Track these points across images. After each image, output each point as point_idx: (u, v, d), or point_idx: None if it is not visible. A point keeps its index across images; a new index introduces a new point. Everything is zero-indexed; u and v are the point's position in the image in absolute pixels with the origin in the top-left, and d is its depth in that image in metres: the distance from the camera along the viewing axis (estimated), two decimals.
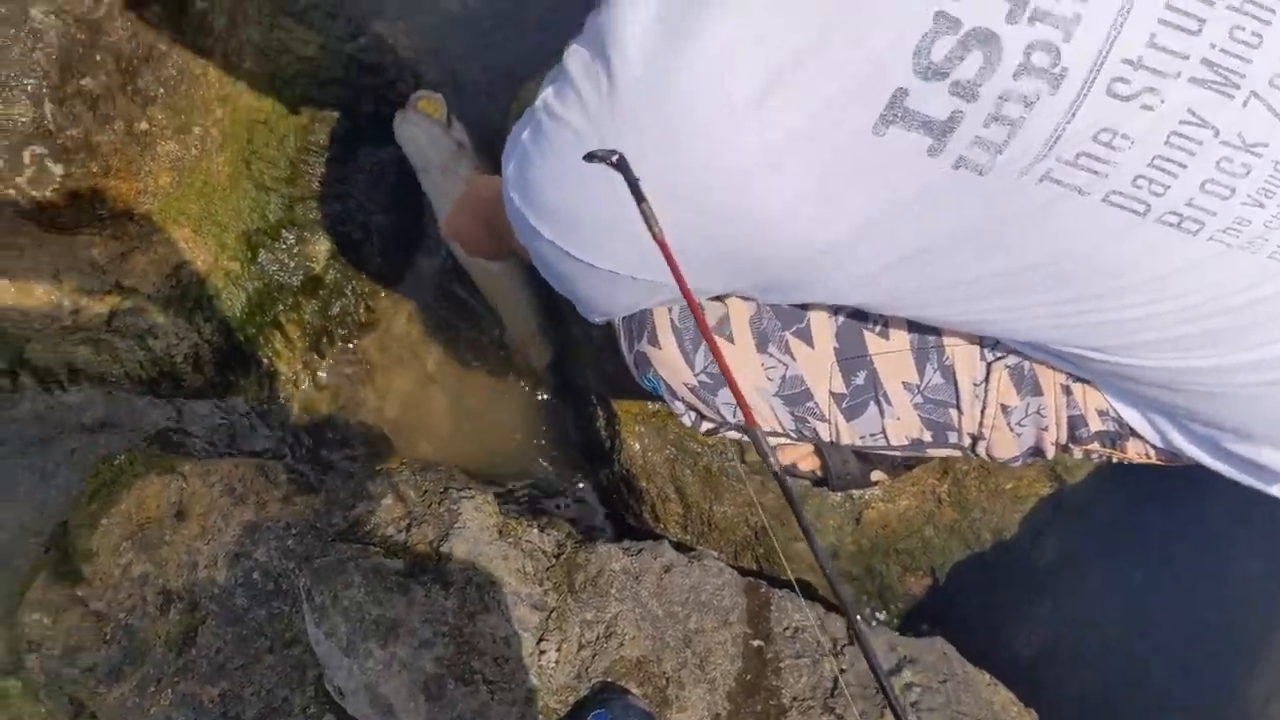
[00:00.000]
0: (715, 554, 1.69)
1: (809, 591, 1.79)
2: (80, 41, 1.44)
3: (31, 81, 1.41)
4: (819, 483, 1.74)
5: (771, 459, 0.69)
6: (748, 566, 1.81)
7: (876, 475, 1.67)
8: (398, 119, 1.66)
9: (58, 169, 1.46)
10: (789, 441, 1.35)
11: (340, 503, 1.45)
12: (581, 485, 1.82)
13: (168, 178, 1.61)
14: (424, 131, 1.66)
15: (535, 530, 1.48)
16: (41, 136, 1.43)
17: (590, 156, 0.73)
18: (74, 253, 1.56)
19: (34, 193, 1.46)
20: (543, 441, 1.83)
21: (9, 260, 1.53)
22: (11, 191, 1.45)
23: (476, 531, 1.40)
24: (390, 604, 1.29)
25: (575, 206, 0.87)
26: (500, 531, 1.43)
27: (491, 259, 1.66)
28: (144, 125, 1.56)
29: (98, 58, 1.47)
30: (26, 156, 1.43)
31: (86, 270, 1.57)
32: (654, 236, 0.70)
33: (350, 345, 1.80)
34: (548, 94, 0.85)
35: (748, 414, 0.72)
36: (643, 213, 0.70)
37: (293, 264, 1.74)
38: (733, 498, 1.75)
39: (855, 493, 1.75)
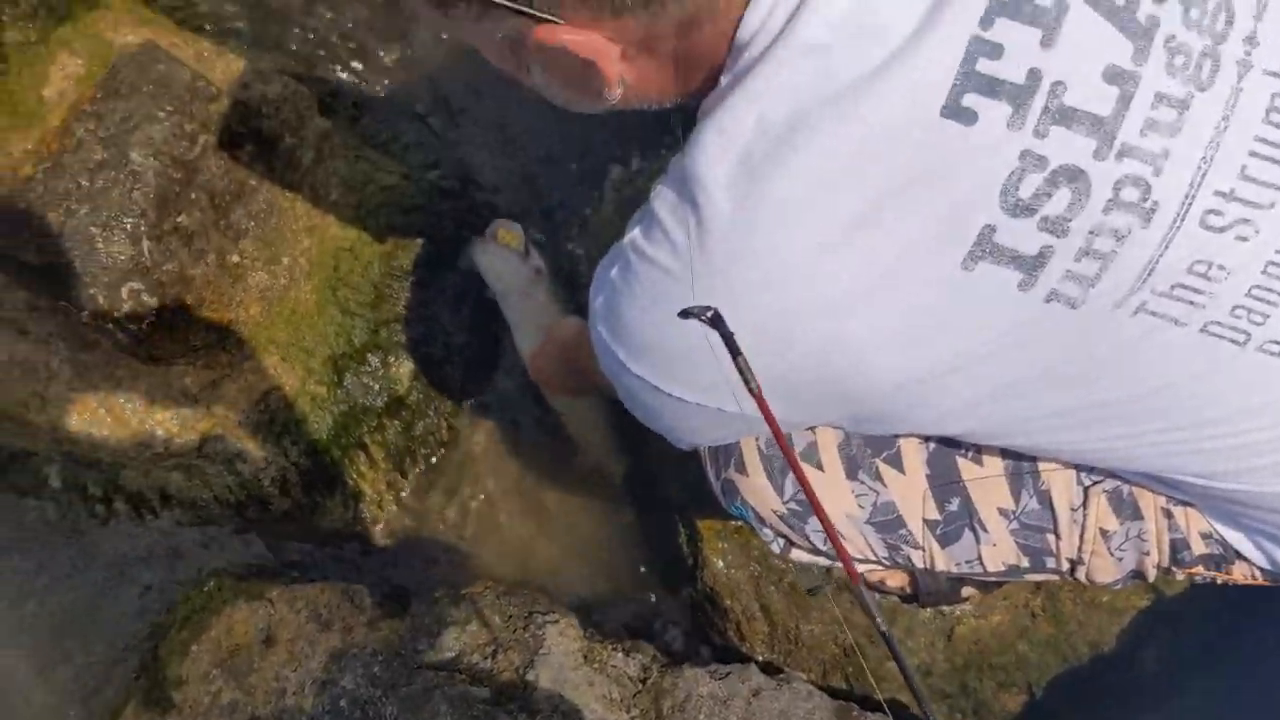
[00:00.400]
0: (804, 676, 1.66)
1: (901, 713, 1.74)
2: (176, 181, 1.50)
3: (130, 220, 1.46)
4: (908, 599, 1.71)
5: (879, 620, 0.67)
6: (837, 686, 1.77)
7: (967, 591, 1.64)
8: (478, 248, 1.72)
9: (154, 302, 1.50)
10: (807, 561, 1.33)
11: (425, 628, 1.44)
12: (664, 604, 1.80)
13: (257, 307, 1.65)
14: (502, 260, 1.71)
15: (620, 654, 1.46)
16: (139, 272, 1.47)
17: (686, 313, 0.74)
18: (168, 382, 1.60)
19: (132, 326, 1.50)
20: (624, 559, 1.81)
21: (107, 392, 1.57)
22: (111, 326, 1.50)
23: (561, 657, 1.39)
24: None
25: (665, 343, 0.87)
26: (585, 656, 1.42)
27: (576, 397, 1.68)
28: (235, 258, 1.61)
29: (193, 196, 1.53)
30: (124, 292, 1.47)
31: (179, 399, 1.60)
32: (750, 392, 0.70)
33: (432, 465, 1.81)
34: (635, 234, 0.86)
35: (844, 555, 0.71)
36: (738, 367, 0.70)
37: (377, 386, 1.77)
38: (820, 615, 1.72)
39: (946, 608, 1.71)
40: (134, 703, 1.51)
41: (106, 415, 1.59)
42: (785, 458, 0.75)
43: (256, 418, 1.66)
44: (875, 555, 1.20)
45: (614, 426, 1.81)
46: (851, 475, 1.14)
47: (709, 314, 0.72)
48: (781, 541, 1.23)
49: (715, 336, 0.73)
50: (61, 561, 1.69)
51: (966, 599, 1.66)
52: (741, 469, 1.16)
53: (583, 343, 1.47)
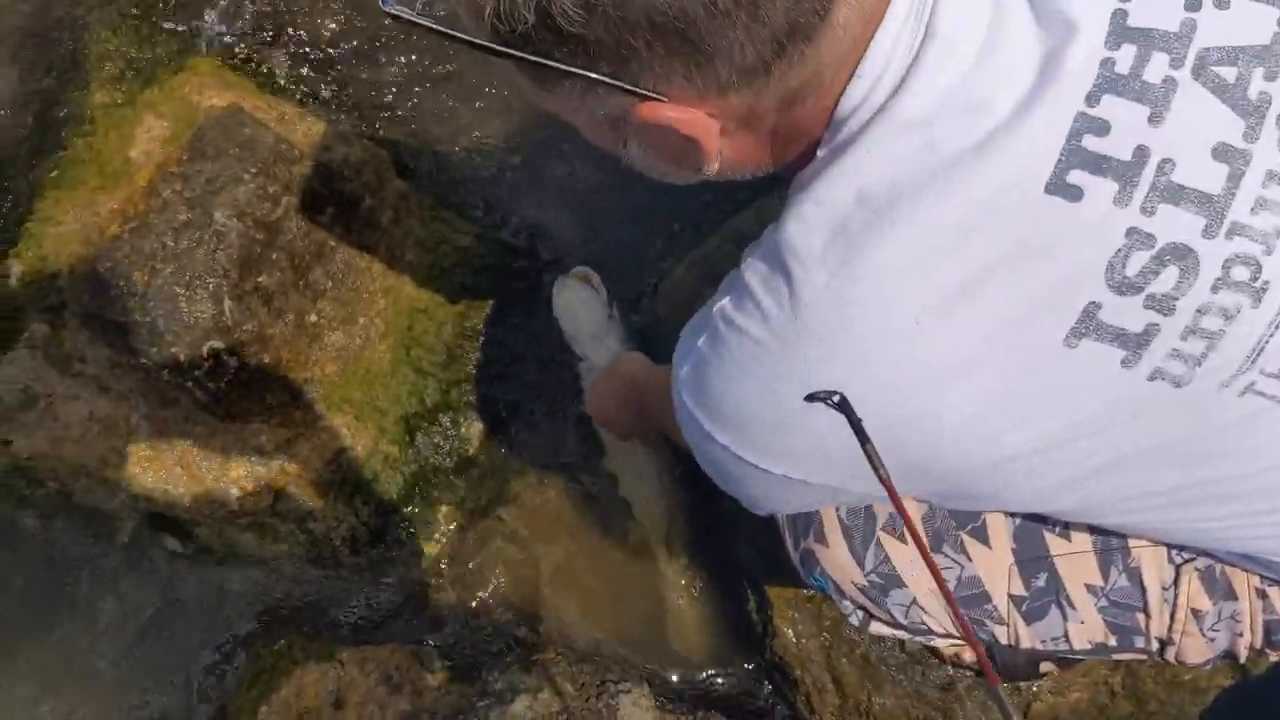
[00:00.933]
0: None
1: None
2: (259, 242, 1.52)
3: (214, 280, 1.49)
4: (980, 673, 1.67)
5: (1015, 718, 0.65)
6: None
7: (1045, 667, 1.59)
8: (557, 285, 1.76)
9: (233, 361, 1.52)
10: (887, 634, 1.29)
11: (496, 694, 1.43)
12: (734, 673, 1.77)
13: (333, 367, 1.66)
14: (579, 299, 1.75)
15: None
16: (220, 332, 1.49)
17: (812, 397, 0.72)
18: (244, 440, 1.61)
19: (210, 384, 1.52)
20: (692, 626, 1.79)
21: (184, 449, 1.59)
22: (190, 383, 1.51)
23: None
24: None
25: (753, 415, 0.86)
26: None
27: (634, 438, 1.68)
28: (313, 318, 1.63)
29: (274, 256, 1.55)
30: (205, 350, 1.49)
31: (254, 457, 1.62)
32: (880, 480, 0.68)
33: (500, 525, 1.80)
34: (725, 303, 0.86)
35: (976, 648, 0.69)
36: (868, 454, 0.68)
37: (447, 446, 1.77)
38: (892, 689, 1.68)
39: (1022, 684, 1.67)
40: None
41: (183, 473, 1.60)
42: (916, 545, 0.74)
43: (329, 476, 1.66)
44: (958, 631, 1.17)
45: (679, 488, 1.80)
46: (935, 548, 1.11)
47: (835, 399, 0.70)
48: (861, 614, 1.21)
49: (828, 414, 0.72)
50: (134, 616, 1.71)
51: (1044, 675, 1.62)
52: (821, 539, 1.14)
53: (650, 383, 1.47)
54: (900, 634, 1.23)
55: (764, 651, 1.73)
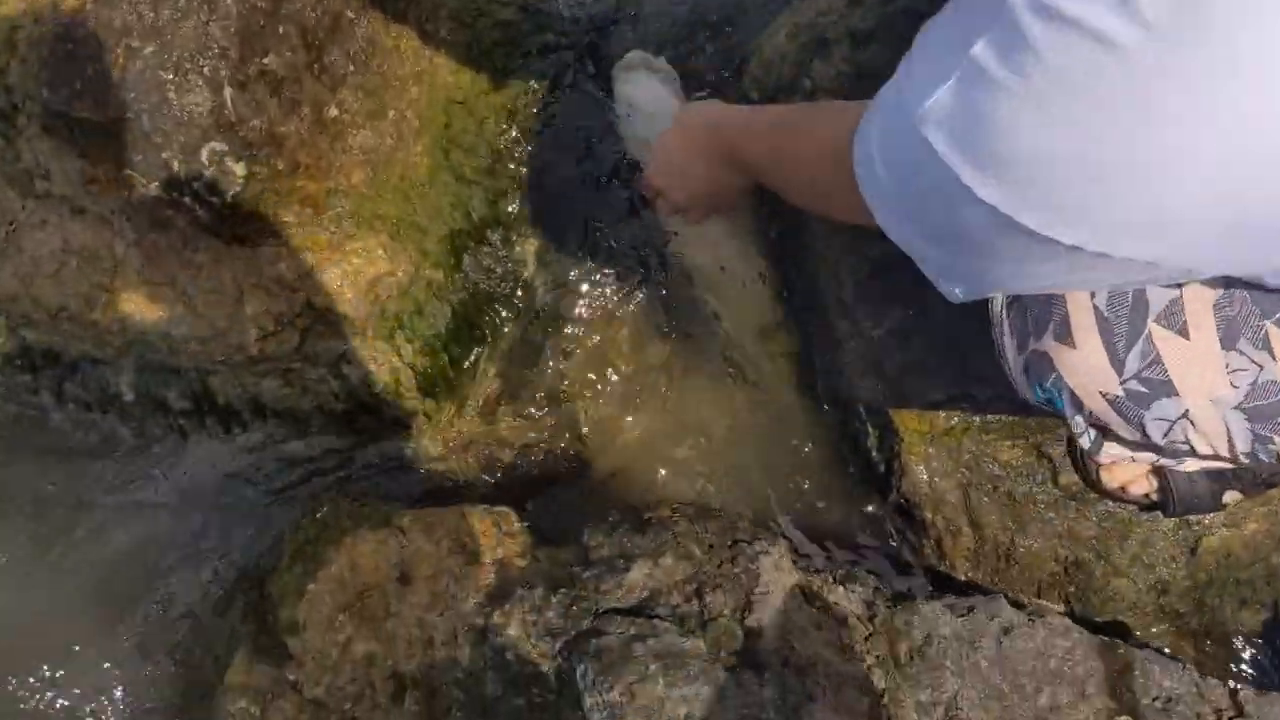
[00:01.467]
0: (1058, 609, 1.39)
1: (1121, 631, 1.49)
2: (261, 10, 1.23)
3: (208, 62, 1.20)
4: (1150, 507, 1.44)
5: None
6: (1051, 607, 1.52)
7: (1230, 496, 1.36)
8: (617, 75, 1.52)
9: (239, 169, 1.27)
10: (1125, 458, 1.06)
11: (604, 561, 1.17)
12: (852, 521, 1.53)
13: (361, 174, 1.38)
14: (644, 90, 1.50)
15: (840, 588, 1.19)
16: (221, 130, 1.23)
17: None
18: (259, 269, 1.36)
19: (213, 199, 1.27)
20: (801, 465, 1.55)
21: (186, 281, 1.34)
22: (188, 199, 1.26)
23: (782, 597, 1.11)
24: (698, 699, 1.00)
25: (1072, 160, 0.60)
26: (805, 594, 1.14)
27: (704, 203, 1.43)
28: (333, 111, 1.34)
29: (281, 30, 1.27)
30: (205, 155, 1.25)
31: (273, 289, 1.36)
32: None
33: (572, 359, 1.55)
34: None
35: None
36: None
37: (500, 269, 1.51)
38: (1040, 529, 1.46)
39: (1193, 518, 1.44)
40: (243, 651, 1.27)
41: (185, 311, 1.37)
42: None
43: (365, 310, 1.43)
44: (1232, 451, 0.91)
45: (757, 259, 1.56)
46: (1229, 344, 0.85)
47: None
48: (1093, 433, 0.96)
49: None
50: (139, 487, 1.52)
51: (1225, 505, 1.40)
52: (1066, 338, 0.87)
53: (743, 124, 1.26)
54: (1144, 456, 0.98)
55: (887, 492, 1.51)
